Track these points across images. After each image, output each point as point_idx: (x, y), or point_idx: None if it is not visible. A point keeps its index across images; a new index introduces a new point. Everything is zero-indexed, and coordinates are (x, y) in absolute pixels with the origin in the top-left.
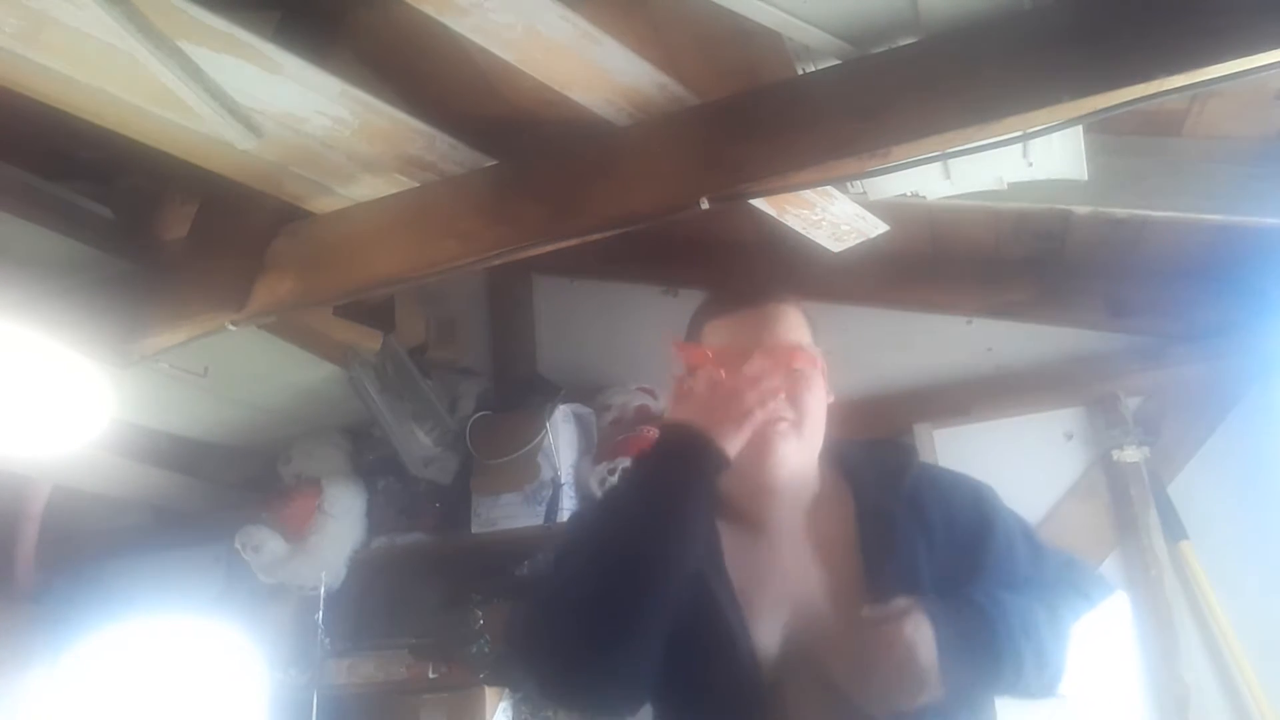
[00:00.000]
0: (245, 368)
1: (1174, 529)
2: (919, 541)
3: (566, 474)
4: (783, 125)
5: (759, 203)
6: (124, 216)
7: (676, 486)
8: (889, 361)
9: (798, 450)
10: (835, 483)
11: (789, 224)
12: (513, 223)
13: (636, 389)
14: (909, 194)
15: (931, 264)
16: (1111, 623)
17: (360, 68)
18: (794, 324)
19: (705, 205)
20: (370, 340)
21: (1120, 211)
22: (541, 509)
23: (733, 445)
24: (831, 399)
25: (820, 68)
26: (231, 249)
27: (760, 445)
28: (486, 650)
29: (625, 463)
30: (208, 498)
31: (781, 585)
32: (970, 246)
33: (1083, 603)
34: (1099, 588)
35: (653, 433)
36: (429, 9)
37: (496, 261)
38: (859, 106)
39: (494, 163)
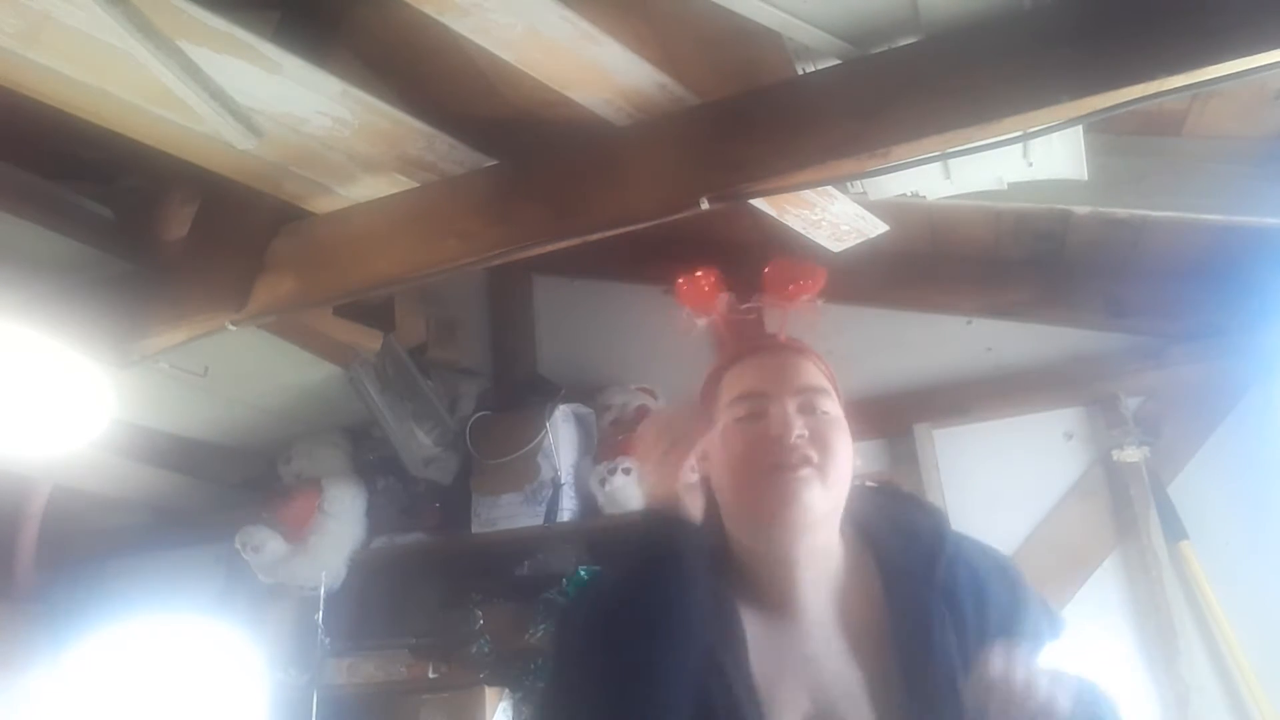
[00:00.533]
0: (245, 368)
1: (1174, 529)
2: (952, 634)
3: (566, 474)
4: (783, 125)
5: (759, 203)
6: (124, 216)
7: (656, 580)
8: (889, 361)
9: (822, 499)
10: (859, 552)
11: (789, 224)
12: (513, 223)
13: (636, 389)
14: (909, 194)
15: (931, 264)
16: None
17: (360, 68)
18: (816, 370)
19: (705, 205)
20: (370, 340)
21: (1120, 211)
22: (541, 509)
23: (684, 505)
24: (859, 462)
25: (820, 68)
26: (231, 249)
27: (783, 491)
28: (486, 650)
29: (625, 463)
30: (208, 498)
31: (806, 675)
32: (970, 246)
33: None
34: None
35: None
36: (429, 9)
37: (496, 261)
38: (859, 106)
39: (494, 163)
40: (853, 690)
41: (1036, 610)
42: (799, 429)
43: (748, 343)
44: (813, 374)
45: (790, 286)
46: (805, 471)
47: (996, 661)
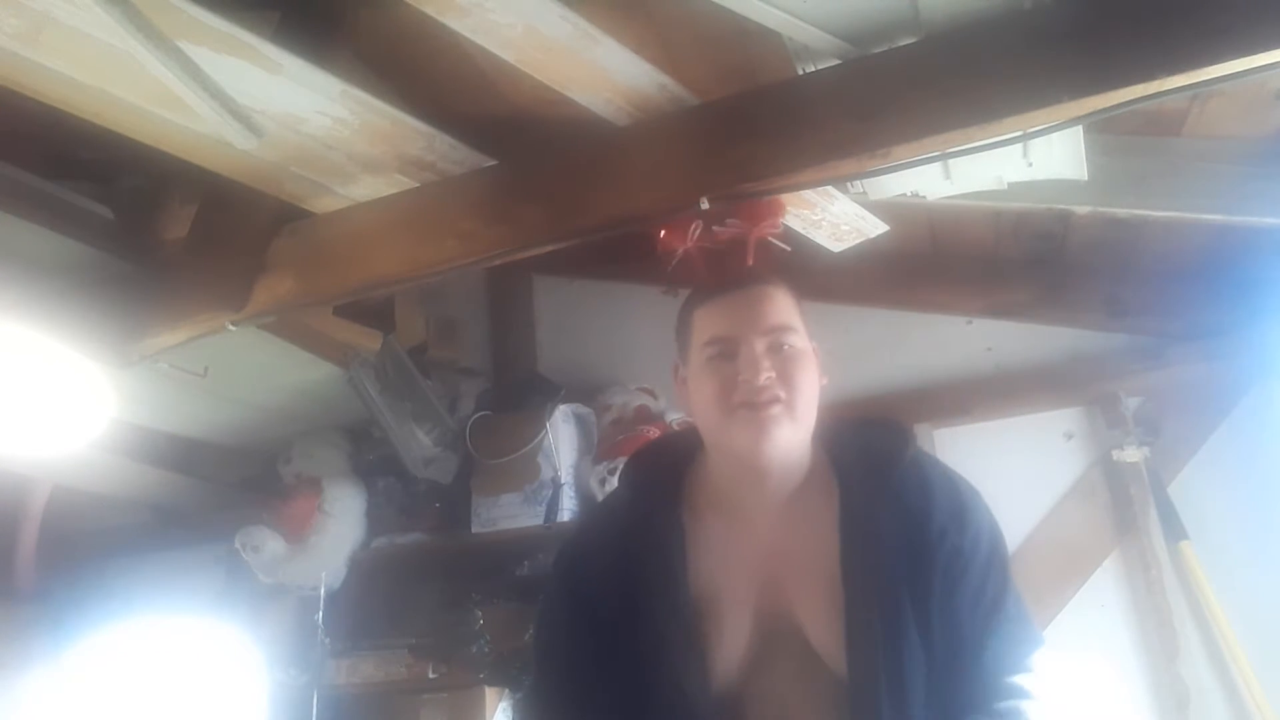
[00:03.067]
0: (245, 368)
1: (1174, 529)
2: (899, 546)
3: (566, 474)
4: (783, 125)
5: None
6: (124, 216)
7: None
8: (889, 361)
9: (791, 432)
10: (824, 468)
11: (789, 224)
12: (513, 223)
13: (636, 389)
14: (909, 194)
15: (931, 264)
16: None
17: (360, 68)
18: (783, 305)
19: (705, 205)
20: (370, 340)
21: (1120, 211)
22: (541, 509)
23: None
24: (824, 381)
25: (820, 68)
26: (231, 249)
27: (754, 428)
28: (486, 650)
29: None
30: (208, 498)
31: (761, 567)
32: (970, 246)
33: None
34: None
35: (653, 434)
36: (429, 9)
37: (496, 261)
38: (859, 106)
39: (494, 163)
40: (804, 585)
41: (994, 557)
42: (767, 370)
43: (717, 275)
44: (780, 310)
45: (753, 210)
46: (774, 409)
47: None
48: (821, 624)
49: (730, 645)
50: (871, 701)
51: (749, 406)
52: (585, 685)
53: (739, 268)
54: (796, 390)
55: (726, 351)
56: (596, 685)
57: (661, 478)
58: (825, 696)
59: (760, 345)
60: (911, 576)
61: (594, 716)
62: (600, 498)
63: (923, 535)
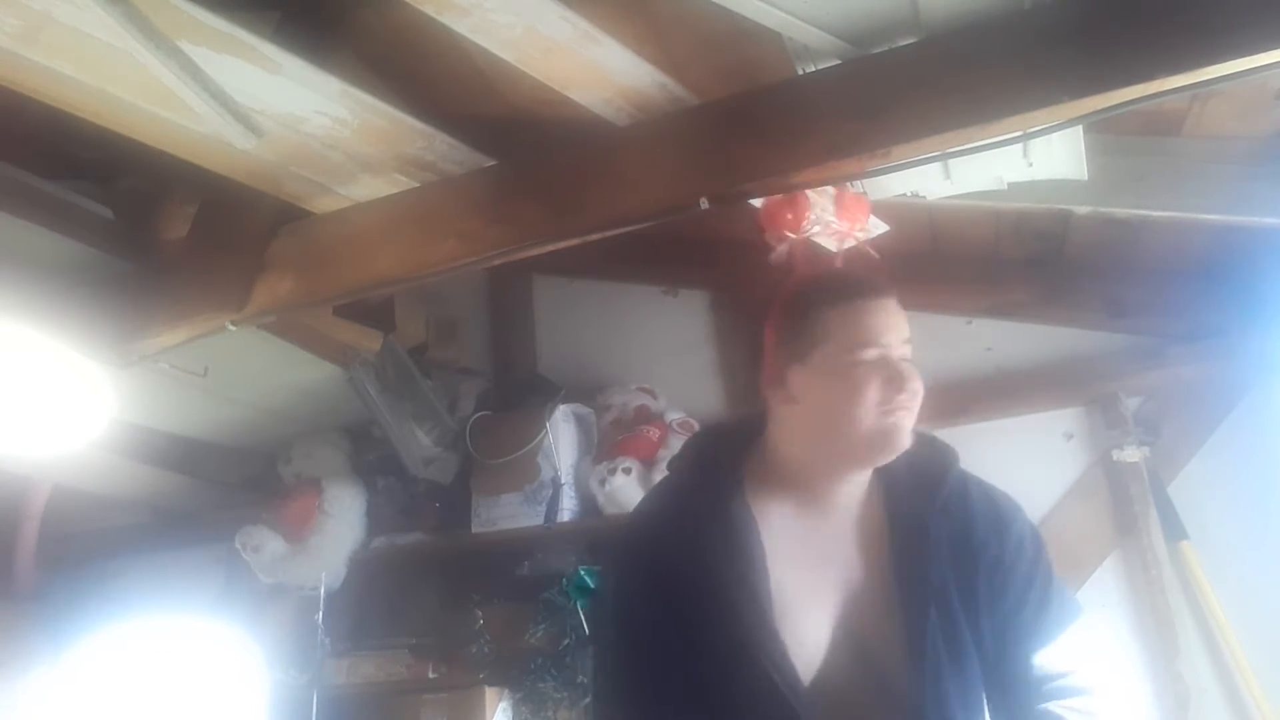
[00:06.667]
0: (245, 368)
1: (1174, 529)
2: (946, 559)
3: (566, 474)
4: (783, 125)
5: (759, 203)
6: (124, 216)
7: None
8: None
9: (909, 435)
10: (873, 480)
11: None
12: (513, 223)
13: (636, 389)
14: (909, 194)
15: (931, 264)
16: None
17: (360, 68)
18: (904, 318)
19: (705, 205)
20: (370, 340)
21: (1120, 211)
22: (541, 509)
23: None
24: None
25: (820, 68)
26: (231, 249)
27: (894, 432)
28: (486, 650)
29: (625, 462)
30: (208, 498)
31: (829, 571)
32: (970, 246)
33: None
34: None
35: (653, 433)
36: (429, 9)
37: (496, 261)
38: (859, 106)
39: (494, 163)
40: (865, 585)
41: (1040, 569)
42: (913, 381)
43: (852, 283)
44: (905, 324)
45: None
46: (907, 418)
47: None
48: (882, 634)
49: (810, 646)
50: (940, 709)
51: (892, 410)
52: (667, 685)
53: (860, 268)
54: (917, 396)
55: (877, 357)
56: (679, 683)
57: (726, 464)
58: (886, 704)
59: (901, 354)
60: (960, 587)
61: (677, 713)
62: (601, 498)
63: (966, 547)
